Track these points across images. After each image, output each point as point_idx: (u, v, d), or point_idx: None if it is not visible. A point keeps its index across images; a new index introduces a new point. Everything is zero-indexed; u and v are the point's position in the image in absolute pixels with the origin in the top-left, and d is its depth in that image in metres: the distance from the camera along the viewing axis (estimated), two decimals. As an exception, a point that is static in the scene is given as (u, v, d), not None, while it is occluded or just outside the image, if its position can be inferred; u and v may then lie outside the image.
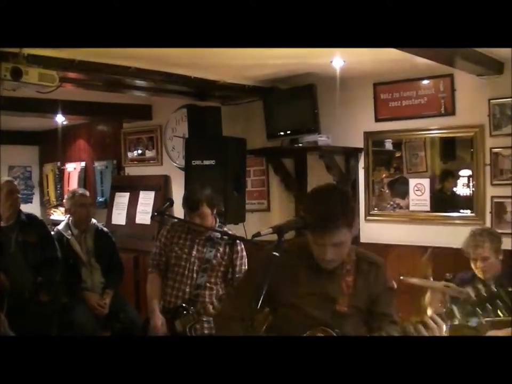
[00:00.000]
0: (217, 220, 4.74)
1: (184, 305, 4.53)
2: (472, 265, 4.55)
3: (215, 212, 4.68)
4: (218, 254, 4.61)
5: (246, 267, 4.56)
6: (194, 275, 4.58)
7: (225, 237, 4.56)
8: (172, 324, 4.54)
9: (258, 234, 2.61)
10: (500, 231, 4.85)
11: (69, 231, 5.92)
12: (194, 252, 4.62)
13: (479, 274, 4.52)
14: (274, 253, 2.51)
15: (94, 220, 6.19)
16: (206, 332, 4.58)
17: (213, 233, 4.63)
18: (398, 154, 5.98)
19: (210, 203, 4.57)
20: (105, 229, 6.35)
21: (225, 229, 4.72)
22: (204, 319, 4.52)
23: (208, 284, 4.58)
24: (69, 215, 6.08)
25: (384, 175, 6.06)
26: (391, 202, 5.95)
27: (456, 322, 4.08)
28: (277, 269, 2.55)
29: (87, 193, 6.22)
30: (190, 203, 4.57)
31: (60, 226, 6.00)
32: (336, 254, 2.71)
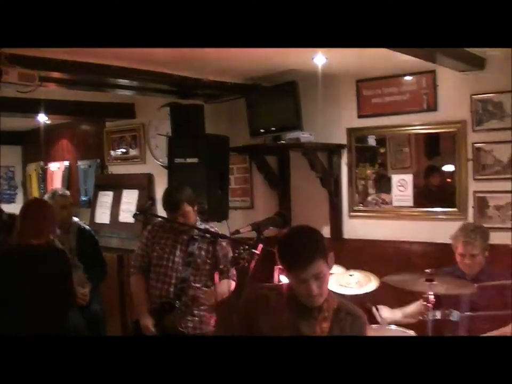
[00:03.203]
0: (198, 218, 4.73)
1: (169, 301, 4.51)
2: (458, 260, 4.55)
3: (195, 208, 4.67)
4: (203, 252, 4.60)
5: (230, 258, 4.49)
6: (178, 274, 4.57)
7: (207, 235, 4.54)
8: (161, 321, 4.52)
9: (237, 231, 2.63)
10: (482, 226, 4.89)
11: (51, 231, 5.86)
12: (177, 252, 4.61)
13: (464, 269, 4.52)
14: (253, 251, 2.52)
15: (76, 219, 6.15)
16: (197, 325, 4.58)
17: (195, 232, 4.62)
18: (382, 150, 6.00)
19: (190, 200, 4.57)
20: (87, 227, 6.30)
21: (207, 226, 4.71)
22: (195, 311, 4.51)
23: (193, 282, 4.56)
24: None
25: (369, 171, 6.07)
26: (377, 198, 5.96)
27: (438, 316, 4.13)
28: (263, 311, 2.71)
29: (68, 193, 6.16)
30: (170, 205, 4.58)
31: (42, 227, 5.93)
32: (319, 288, 2.78)
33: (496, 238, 4.81)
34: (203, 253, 4.61)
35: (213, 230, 4.62)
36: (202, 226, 4.65)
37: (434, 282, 4.02)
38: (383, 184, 5.95)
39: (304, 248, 2.76)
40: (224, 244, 4.59)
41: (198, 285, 4.53)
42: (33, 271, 4.29)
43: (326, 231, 5.92)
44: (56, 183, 9.45)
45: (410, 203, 5.69)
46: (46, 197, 6.18)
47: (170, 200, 4.59)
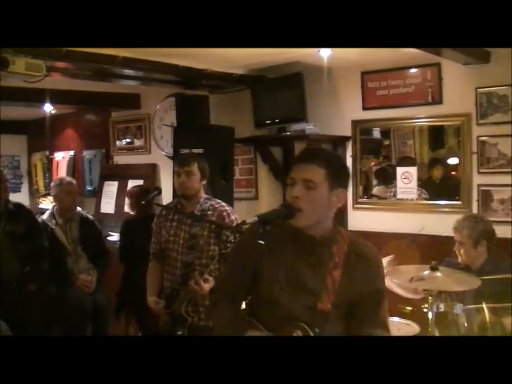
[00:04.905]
0: (204, 195, 4.62)
1: (176, 287, 4.44)
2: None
3: (204, 183, 4.59)
4: (205, 232, 4.51)
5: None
6: (184, 258, 4.47)
7: (210, 212, 4.46)
8: (170, 308, 4.45)
9: (243, 223, 2.58)
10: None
11: (54, 221, 5.87)
12: (182, 234, 4.52)
13: (459, 259, 4.55)
14: (259, 241, 2.48)
15: (78, 208, 6.16)
16: (201, 309, 4.47)
17: (198, 208, 4.52)
18: (386, 143, 6.01)
19: (202, 167, 4.44)
20: (90, 216, 6.29)
21: (213, 202, 4.61)
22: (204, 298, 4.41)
23: (197, 265, 4.45)
24: (53, 204, 6.04)
25: (373, 163, 6.08)
26: (392, 189, 5.95)
27: (442, 309, 4.14)
28: (260, 254, 2.45)
29: (74, 181, 6.17)
30: (183, 157, 4.55)
31: (44, 216, 5.93)
32: (304, 200, 2.44)
33: (500, 232, 4.82)
34: (205, 233, 4.52)
35: (217, 206, 4.52)
36: (208, 203, 4.55)
37: (438, 274, 4.05)
38: (388, 176, 5.96)
39: (312, 150, 2.63)
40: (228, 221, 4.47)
41: (202, 276, 4.42)
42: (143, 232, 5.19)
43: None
44: (61, 172, 9.48)
45: (415, 195, 5.70)
46: (52, 183, 6.20)
47: (185, 155, 4.58)
